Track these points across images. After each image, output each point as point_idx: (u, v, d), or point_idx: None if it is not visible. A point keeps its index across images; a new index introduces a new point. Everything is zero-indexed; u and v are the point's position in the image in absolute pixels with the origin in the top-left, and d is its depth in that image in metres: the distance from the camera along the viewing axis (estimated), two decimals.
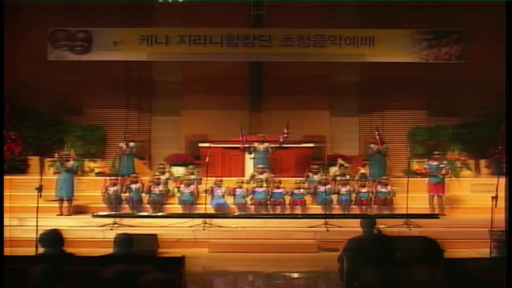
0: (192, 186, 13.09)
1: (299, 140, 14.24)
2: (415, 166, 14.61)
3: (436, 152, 13.52)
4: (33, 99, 15.50)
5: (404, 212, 12.16)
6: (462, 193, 13.58)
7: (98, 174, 14.73)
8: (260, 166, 13.67)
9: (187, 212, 12.87)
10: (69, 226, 11.37)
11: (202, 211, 12.46)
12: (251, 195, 13.01)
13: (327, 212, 12.61)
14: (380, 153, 13.73)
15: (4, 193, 12.61)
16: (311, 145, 14.86)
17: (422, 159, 14.52)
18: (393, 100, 15.92)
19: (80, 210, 12.93)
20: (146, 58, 15.23)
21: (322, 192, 13.06)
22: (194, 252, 10.05)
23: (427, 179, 12.94)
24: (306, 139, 14.55)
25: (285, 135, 13.75)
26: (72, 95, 15.82)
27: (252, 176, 13.46)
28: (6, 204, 12.44)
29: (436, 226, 11.86)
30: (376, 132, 13.73)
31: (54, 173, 12.64)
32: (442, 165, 12.97)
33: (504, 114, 8.58)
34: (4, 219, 10.89)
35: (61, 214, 12.58)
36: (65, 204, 12.75)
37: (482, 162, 15.01)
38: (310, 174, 13.64)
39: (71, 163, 12.79)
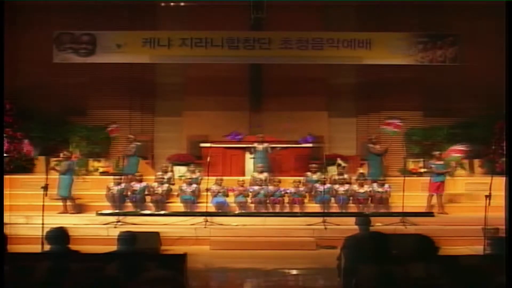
0: (193, 185, 13.26)
1: (298, 140, 14.43)
2: (411, 165, 14.81)
3: (438, 152, 13.64)
4: (40, 100, 15.60)
5: (400, 210, 12.40)
6: (457, 191, 13.81)
7: (102, 173, 14.94)
8: (260, 165, 13.86)
9: (188, 210, 13.05)
10: (74, 224, 11.55)
11: (204, 210, 12.63)
12: (251, 194, 13.20)
13: (325, 211, 12.78)
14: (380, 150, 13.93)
15: (11, 192, 12.88)
16: (310, 145, 15.03)
17: (418, 159, 14.71)
18: (390, 101, 15.98)
19: (84, 209, 13.10)
20: (149, 60, 15.35)
21: (320, 191, 13.22)
22: (195, 249, 10.19)
23: (430, 178, 12.99)
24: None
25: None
26: (77, 96, 16.02)
27: (253, 177, 13.64)
28: (13, 202, 12.74)
29: (431, 224, 12.05)
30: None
31: (60, 172, 12.81)
32: (441, 164, 13.11)
33: (504, 114, 8.71)
34: (11, 217, 11.21)
35: (64, 212, 12.77)
36: (69, 202, 12.92)
37: (476, 162, 15.14)
38: (309, 173, 13.81)
39: (69, 162, 12.91)
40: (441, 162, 13.21)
